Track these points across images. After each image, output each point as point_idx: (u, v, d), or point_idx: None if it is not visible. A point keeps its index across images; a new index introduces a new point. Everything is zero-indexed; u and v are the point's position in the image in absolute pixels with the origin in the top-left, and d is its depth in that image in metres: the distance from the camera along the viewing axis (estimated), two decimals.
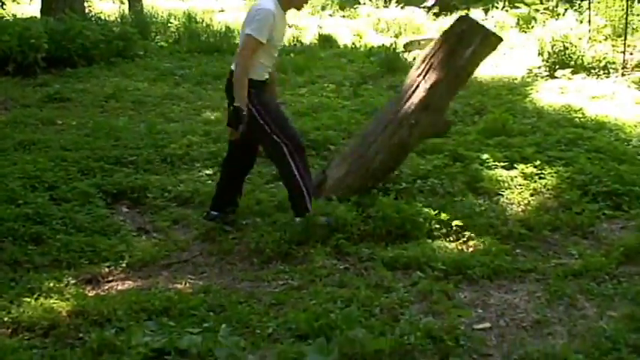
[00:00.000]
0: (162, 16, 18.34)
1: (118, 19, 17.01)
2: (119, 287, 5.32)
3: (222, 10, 23.96)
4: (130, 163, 7.75)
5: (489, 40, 6.66)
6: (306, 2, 6.28)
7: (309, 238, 5.91)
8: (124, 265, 5.65)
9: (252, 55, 5.81)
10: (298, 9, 6.31)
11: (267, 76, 6.10)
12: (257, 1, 6.08)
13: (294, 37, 17.41)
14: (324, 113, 9.79)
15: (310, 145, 8.12)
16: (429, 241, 5.98)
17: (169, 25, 17.70)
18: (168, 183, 7.26)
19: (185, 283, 5.36)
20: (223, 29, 16.57)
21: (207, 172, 7.66)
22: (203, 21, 17.69)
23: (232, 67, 5.97)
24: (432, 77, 6.63)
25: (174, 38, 16.89)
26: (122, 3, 19.68)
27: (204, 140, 8.51)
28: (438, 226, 6.17)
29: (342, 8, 24.85)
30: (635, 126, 9.53)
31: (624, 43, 13.76)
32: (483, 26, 6.79)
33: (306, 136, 8.24)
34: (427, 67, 6.71)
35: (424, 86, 6.65)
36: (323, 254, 5.69)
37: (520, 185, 7.23)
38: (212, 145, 8.29)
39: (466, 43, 6.55)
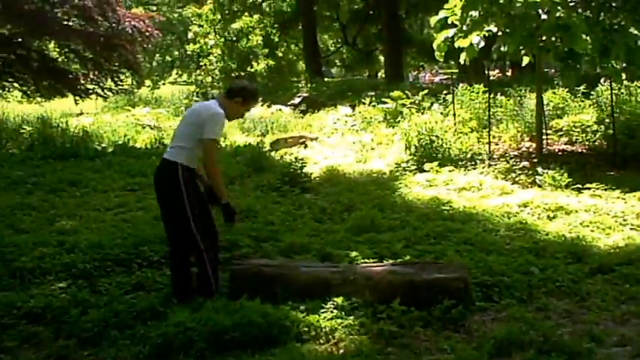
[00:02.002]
0: (14, 122, 17.73)
1: None
2: None
3: (82, 113, 23.57)
4: None
5: None
6: (238, 118, 7.20)
7: (170, 350, 5.53)
8: None
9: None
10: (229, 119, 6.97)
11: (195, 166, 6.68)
12: (201, 105, 7.00)
13: (156, 139, 17.11)
14: None
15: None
16: (298, 344, 5.70)
17: (22, 130, 17.11)
18: (17, 299, 6.66)
19: None
20: (80, 133, 16.06)
21: (61, 284, 7.09)
22: (59, 125, 17.20)
23: (165, 155, 6.66)
24: None
25: (27, 144, 16.26)
26: None
27: (57, 251, 7.91)
28: (306, 329, 5.90)
29: None
30: (503, 216, 9.62)
31: (489, 135, 14.10)
32: None
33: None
34: None
35: None
36: None
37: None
38: (66, 256, 7.71)
39: None
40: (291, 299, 6.43)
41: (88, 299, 6.60)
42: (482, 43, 12.98)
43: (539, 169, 12.11)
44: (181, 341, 5.56)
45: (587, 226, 9.06)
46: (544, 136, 14.32)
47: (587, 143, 14.68)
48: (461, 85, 18.14)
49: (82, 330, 6.02)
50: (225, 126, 6.79)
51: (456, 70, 25.02)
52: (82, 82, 26.18)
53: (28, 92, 26.00)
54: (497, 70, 43.63)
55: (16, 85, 25.75)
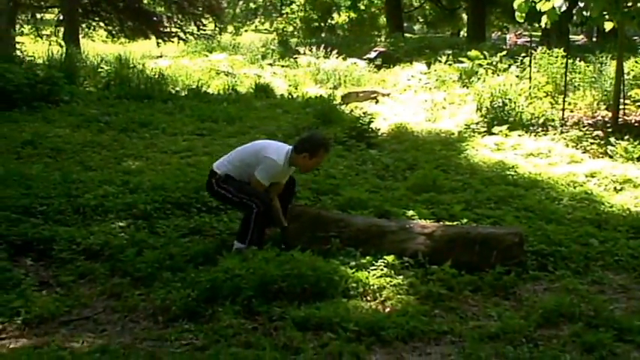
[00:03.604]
0: (92, 60, 18.00)
1: (46, 62, 16.54)
2: (11, 345, 5.00)
3: (161, 56, 23.83)
4: (40, 213, 7.32)
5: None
6: (312, 169, 7.35)
7: (217, 296, 5.61)
8: (19, 321, 5.32)
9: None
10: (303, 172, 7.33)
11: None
12: (273, 144, 7.01)
13: (229, 86, 17.19)
14: None
15: None
16: (345, 300, 5.72)
17: (100, 69, 17.35)
18: (78, 235, 6.87)
19: (83, 342, 5.05)
20: (156, 76, 16.25)
21: (121, 224, 7.29)
22: (135, 67, 17.42)
23: (214, 166, 6.94)
24: None
25: (104, 83, 16.53)
26: (60, 45, 19.23)
27: (120, 190, 8.12)
28: (354, 285, 5.92)
29: (282, 58, 24.87)
30: (568, 185, 9.45)
31: (564, 101, 13.79)
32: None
33: None
34: None
35: None
36: (231, 313, 5.41)
37: None
38: (128, 196, 7.91)
39: None
40: (345, 247, 6.53)
41: (145, 240, 6.79)
42: (565, 7, 12.62)
43: (612, 140, 11.81)
44: (229, 288, 5.63)
45: None
46: (621, 106, 13.92)
47: None
48: (540, 48, 17.69)
49: (136, 269, 6.20)
50: (277, 176, 6.83)
51: (539, 33, 24.39)
52: (166, 24, 26.48)
53: (113, 32, 26.41)
54: (582, 36, 42.49)
55: (101, 24, 26.18)
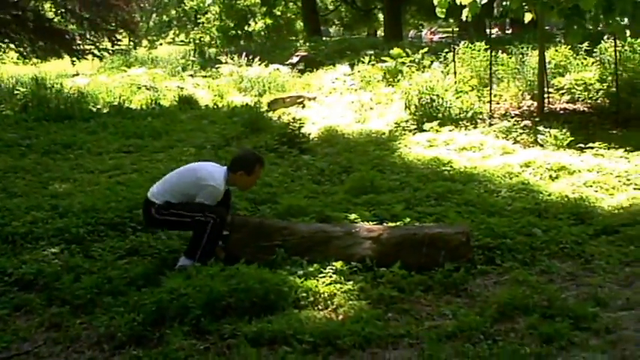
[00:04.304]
0: (7, 83, 17.50)
1: None
2: None
3: (77, 74, 23.35)
4: None
5: None
6: (251, 187, 7.20)
7: (164, 317, 5.38)
8: None
9: None
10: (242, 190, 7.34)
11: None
12: (208, 169, 6.79)
13: (151, 100, 16.90)
14: None
15: None
16: (296, 311, 5.56)
17: (16, 92, 16.85)
18: (9, 265, 6.55)
19: None
20: (75, 94, 15.86)
21: (53, 250, 6.97)
22: (53, 86, 16.98)
23: (149, 196, 6.64)
24: None
25: (21, 106, 16.05)
26: None
27: (50, 215, 7.80)
28: (304, 294, 5.77)
29: (203, 68, 24.65)
30: (504, 176, 9.49)
31: (490, 93, 13.89)
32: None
33: None
34: None
35: None
36: (180, 334, 5.18)
37: None
38: (59, 221, 7.59)
39: None
40: (291, 256, 6.37)
41: (81, 265, 6.50)
42: (485, 0, 12.73)
43: (541, 128, 11.93)
44: (176, 308, 5.41)
45: (591, 186, 8.92)
46: (545, 95, 14.11)
47: (589, 102, 14.47)
48: (462, 42, 17.84)
49: (74, 297, 5.90)
50: (217, 199, 6.66)
51: (456, 29, 24.66)
52: (79, 42, 25.95)
53: (24, 53, 25.76)
54: (496, 28, 43.21)
55: (11, 45, 25.53)
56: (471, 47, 16.91)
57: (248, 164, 6.75)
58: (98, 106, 16.50)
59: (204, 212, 6.42)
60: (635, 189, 8.76)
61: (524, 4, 13.17)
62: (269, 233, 6.58)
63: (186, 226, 6.62)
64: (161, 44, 48.53)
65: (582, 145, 10.98)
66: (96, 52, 26.74)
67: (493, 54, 15.71)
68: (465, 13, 13.15)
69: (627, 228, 7.29)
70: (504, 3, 13.25)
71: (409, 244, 6.36)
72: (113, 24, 26.43)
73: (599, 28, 14.20)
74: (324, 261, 6.28)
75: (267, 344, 5.05)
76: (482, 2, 12.73)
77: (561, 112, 14.05)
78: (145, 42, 43.91)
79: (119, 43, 28.58)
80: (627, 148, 10.59)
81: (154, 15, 52.43)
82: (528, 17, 13.77)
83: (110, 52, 27.79)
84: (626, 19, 12.63)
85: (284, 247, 6.45)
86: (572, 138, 11.30)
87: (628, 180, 9.07)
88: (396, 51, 19.59)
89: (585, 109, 14.14)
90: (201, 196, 6.51)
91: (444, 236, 6.39)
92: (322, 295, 5.77)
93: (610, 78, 14.08)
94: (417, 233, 6.45)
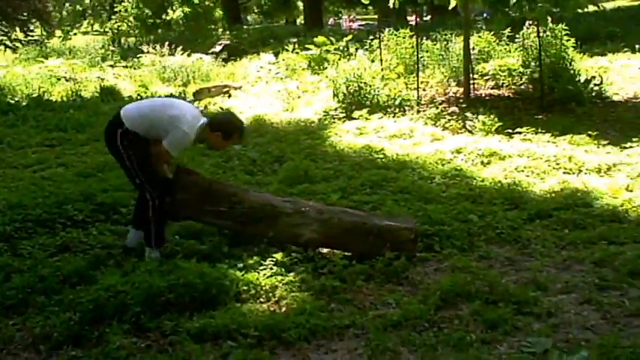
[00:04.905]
0: None
1: None
2: None
3: None
4: None
5: None
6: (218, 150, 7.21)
7: (102, 316, 5.21)
8: None
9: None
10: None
11: None
12: (186, 109, 6.38)
13: (72, 92, 16.45)
14: (110, 173, 9.00)
15: (98, 209, 7.54)
16: (238, 305, 5.46)
17: None
18: None
19: None
20: None
21: None
22: None
23: (121, 112, 6.35)
24: None
25: None
26: None
27: None
28: (245, 287, 5.66)
29: (123, 58, 24.21)
30: (437, 163, 9.49)
31: (417, 80, 13.93)
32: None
33: (93, 200, 7.65)
34: None
35: None
36: (120, 332, 5.03)
37: None
38: None
39: None
40: (236, 223, 6.34)
41: (10, 264, 6.20)
42: None
43: (469, 115, 12.02)
44: (114, 306, 5.24)
45: (522, 171, 8.99)
46: (471, 81, 14.22)
47: (513, 87, 14.63)
48: (387, 29, 17.85)
49: (5, 297, 5.64)
50: (184, 147, 6.40)
51: (374, 17, 24.78)
52: None
53: None
54: (414, 15, 43.58)
55: None
56: (395, 34, 16.93)
57: (230, 129, 6.44)
58: (17, 99, 15.96)
59: (150, 182, 6.25)
60: (564, 173, 8.87)
61: None
62: (217, 198, 6.36)
63: (129, 177, 6.45)
64: (75, 34, 47.57)
65: (510, 131, 11.09)
66: (8, 43, 26.03)
67: (419, 41, 15.77)
68: (392, 0, 13.18)
69: (560, 212, 7.38)
70: None
71: (357, 232, 6.29)
72: (25, 13, 25.75)
73: (522, 15, 14.36)
74: (264, 253, 6.21)
75: (211, 340, 4.96)
76: None
77: (487, 97, 14.17)
78: (58, 32, 42.98)
79: (32, 33, 27.88)
80: (554, 133, 10.72)
81: (66, 4, 51.39)
82: (452, 4, 13.86)
83: (23, 42, 27.08)
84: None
85: (230, 214, 6.30)
86: (500, 123, 11.41)
87: (557, 164, 9.16)
88: (320, 39, 19.53)
89: (510, 94, 14.29)
90: (168, 139, 6.12)
91: (392, 230, 6.32)
92: (264, 288, 5.69)
93: (533, 64, 14.25)
94: (366, 222, 6.37)
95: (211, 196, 6.36)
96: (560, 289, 5.66)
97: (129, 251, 6.48)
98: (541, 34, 13.82)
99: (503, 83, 14.77)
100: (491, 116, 11.60)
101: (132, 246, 6.55)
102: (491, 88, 14.80)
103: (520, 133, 10.86)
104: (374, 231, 6.27)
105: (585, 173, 8.78)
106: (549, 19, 13.51)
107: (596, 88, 13.71)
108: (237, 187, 6.91)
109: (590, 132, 10.62)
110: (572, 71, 13.78)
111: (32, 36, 27.96)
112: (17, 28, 26.62)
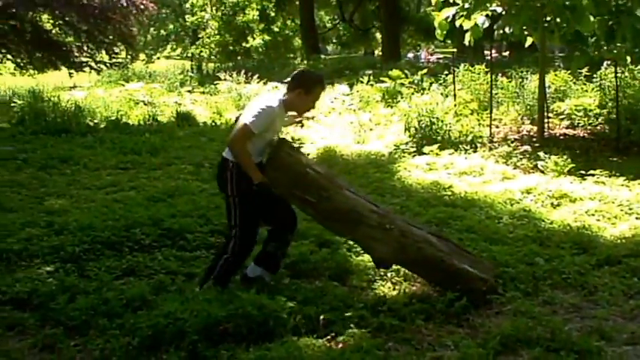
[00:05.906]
0: (4, 95, 17.44)
1: None
2: None
3: (75, 87, 23.29)
4: None
5: None
6: (308, 110, 6.47)
7: (160, 342, 5.26)
8: None
9: (246, 142, 5.95)
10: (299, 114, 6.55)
11: (260, 159, 6.13)
12: (266, 94, 6.45)
13: (149, 116, 16.81)
14: (180, 198, 9.18)
15: (165, 234, 7.64)
16: (295, 338, 5.42)
17: (12, 104, 16.77)
18: (2, 283, 6.44)
19: None
20: (73, 108, 15.76)
21: (48, 268, 6.85)
22: (50, 99, 16.88)
23: (224, 154, 6.12)
24: None
25: (18, 118, 16.00)
26: None
27: (45, 232, 7.69)
28: (304, 321, 5.63)
29: (201, 84, 24.58)
30: (506, 202, 9.37)
31: (490, 117, 13.83)
32: None
33: (160, 225, 7.76)
34: None
35: None
36: (177, 359, 5.06)
37: (390, 272, 6.74)
38: (55, 238, 7.48)
39: None
40: (318, 214, 6.33)
41: (77, 284, 6.36)
42: (487, 24, 12.71)
43: (541, 154, 11.86)
44: (172, 332, 5.29)
45: (593, 214, 8.78)
46: (545, 120, 14.06)
47: (589, 128, 14.43)
48: (462, 65, 17.80)
49: (69, 318, 5.76)
50: (274, 123, 6.12)
51: (453, 50, 24.71)
52: (76, 54, 25.90)
53: (21, 64, 25.71)
54: (494, 51, 43.34)
55: (9, 56, 25.50)
56: (470, 70, 16.88)
57: (308, 82, 6.25)
58: (95, 121, 16.41)
59: (239, 229, 6.14)
60: (637, 218, 8.64)
61: (524, 28, 13.16)
62: (308, 187, 6.21)
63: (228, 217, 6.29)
64: (158, 58, 48.58)
65: (583, 172, 10.86)
66: (93, 64, 26.71)
67: (494, 77, 15.68)
68: (468, 37, 13.13)
69: (630, 259, 7.16)
70: (506, 29, 13.23)
71: (431, 266, 6.23)
72: (111, 37, 26.42)
73: (599, 54, 14.19)
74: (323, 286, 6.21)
75: None
76: (484, 26, 12.71)
77: (561, 137, 14.00)
78: (142, 56, 43.94)
79: (116, 56, 28.57)
80: (628, 176, 10.47)
81: (151, 29, 52.56)
82: (529, 41, 13.77)
83: (107, 65, 27.76)
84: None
85: (314, 205, 6.22)
86: (573, 164, 11.20)
87: (630, 209, 8.96)
88: (395, 72, 19.57)
89: (585, 135, 14.10)
90: (249, 114, 6.00)
91: (468, 276, 6.21)
92: (321, 323, 5.64)
93: (610, 104, 14.05)
94: (445, 261, 6.24)
95: (303, 184, 6.22)
96: (625, 340, 5.49)
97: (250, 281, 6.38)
98: (619, 75, 13.60)
99: (578, 123, 14.58)
100: (564, 157, 11.42)
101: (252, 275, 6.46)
102: (566, 128, 14.62)
103: (593, 175, 10.63)
104: (449, 271, 6.19)
105: None
106: (629, 59, 13.31)
107: None
108: (334, 179, 6.60)
109: None
110: None
111: (116, 59, 28.65)
112: (103, 51, 27.29)
